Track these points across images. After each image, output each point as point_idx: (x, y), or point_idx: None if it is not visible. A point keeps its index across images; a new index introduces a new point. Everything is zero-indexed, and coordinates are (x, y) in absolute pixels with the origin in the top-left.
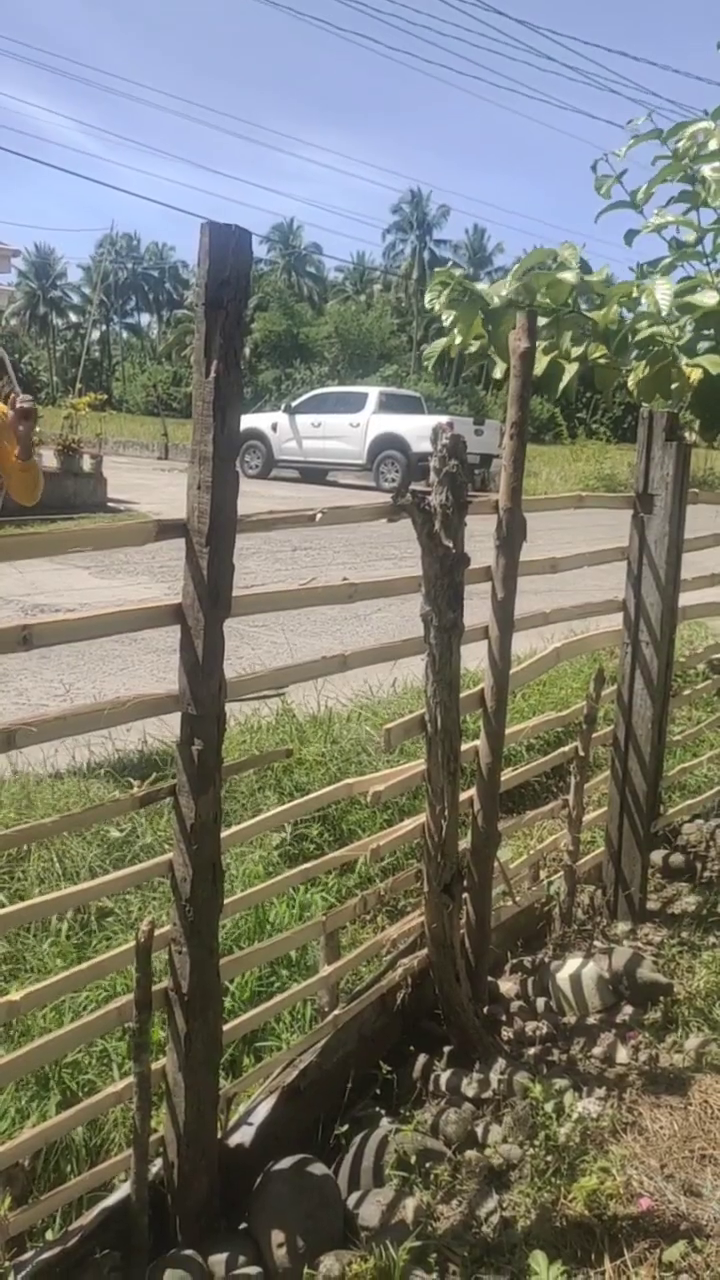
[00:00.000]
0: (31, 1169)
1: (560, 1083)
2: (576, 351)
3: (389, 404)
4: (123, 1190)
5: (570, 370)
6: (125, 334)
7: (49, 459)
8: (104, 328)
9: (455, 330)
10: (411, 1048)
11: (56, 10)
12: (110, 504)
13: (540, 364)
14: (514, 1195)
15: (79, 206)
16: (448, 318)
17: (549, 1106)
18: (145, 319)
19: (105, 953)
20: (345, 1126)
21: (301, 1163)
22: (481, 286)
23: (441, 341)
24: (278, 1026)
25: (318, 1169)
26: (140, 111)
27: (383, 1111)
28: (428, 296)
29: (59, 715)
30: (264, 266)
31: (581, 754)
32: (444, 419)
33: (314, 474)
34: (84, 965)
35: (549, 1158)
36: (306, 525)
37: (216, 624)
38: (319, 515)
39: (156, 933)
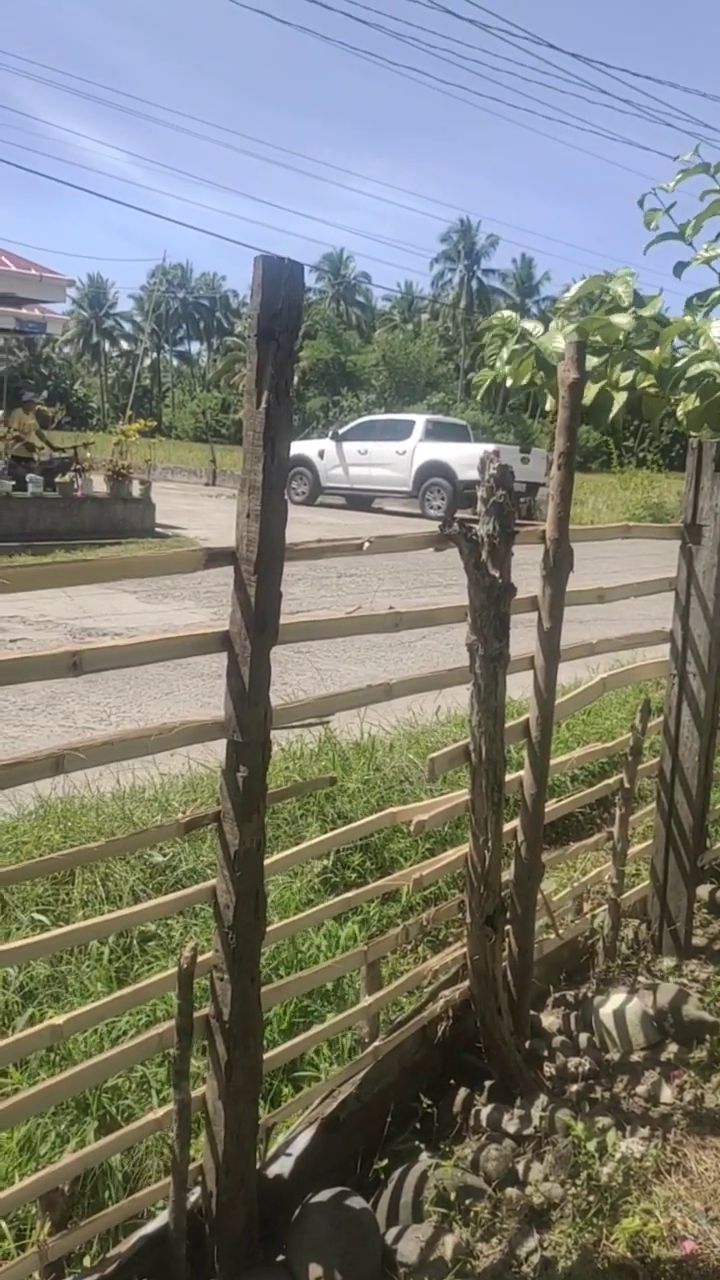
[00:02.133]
0: (70, 1194)
1: (603, 1121)
2: (625, 379)
3: (435, 432)
4: (161, 1218)
5: (619, 400)
6: (175, 361)
7: (99, 484)
8: (155, 355)
9: (507, 370)
10: (452, 1081)
11: (107, 42)
12: (158, 529)
13: (589, 393)
14: (555, 1235)
15: (130, 237)
16: (509, 370)
17: (591, 1145)
18: (195, 347)
19: (146, 977)
20: (384, 1161)
21: (340, 1196)
22: (533, 325)
23: (490, 371)
24: (316, 1057)
25: (356, 1202)
26: (190, 143)
27: (422, 1146)
28: (488, 351)
29: (106, 740)
30: (313, 295)
31: (627, 786)
32: (490, 447)
33: (360, 500)
34: (126, 990)
35: (591, 1198)
36: (354, 554)
37: (263, 652)
38: (367, 544)
39: (198, 959)
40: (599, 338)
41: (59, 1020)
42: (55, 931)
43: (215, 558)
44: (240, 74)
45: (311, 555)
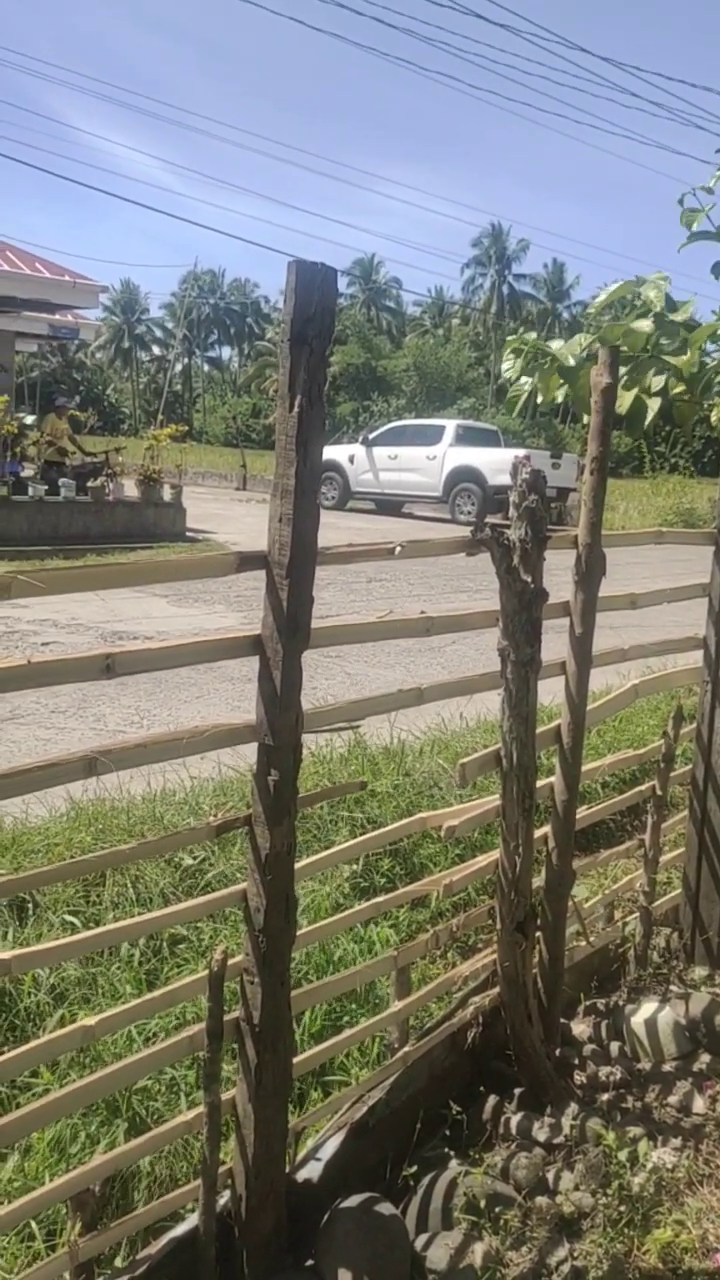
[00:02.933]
0: (101, 1195)
1: (634, 1131)
2: (658, 384)
3: (466, 437)
4: (190, 1221)
5: (653, 407)
6: (206, 367)
7: (130, 489)
8: (186, 361)
9: (526, 386)
10: (482, 1088)
11: (140, 50)
12: (189, 533)
13: (624, 400)
14: (585, 1245)
15: (163, 243)
16: (526, 384)
17: (623, 1155)
18: (226, 352)
19: (176, 980)
20: (414, 1167)
21: (369, 1201)
22: (556, 344)
23: (524, 384)
24: (347, 1061)
25: (385, 1209)
26: (224, 150)
27: (451, 1153)
28: (503, 366)
29: (139, 743)
30: (344, 300)
31: (659, 793)
32: (521, 452)
33: (390, 505)
34: (157, 993)
35: (622, 1208)
36: (386, 558)
37: (295, 656)
38: (398, 549)
39: (228, 962)
40: (624, 346)
41: (90, 1021)
42: (87, 933)
43: (248, 561)
44: (274, 82)
45: (343, 559)
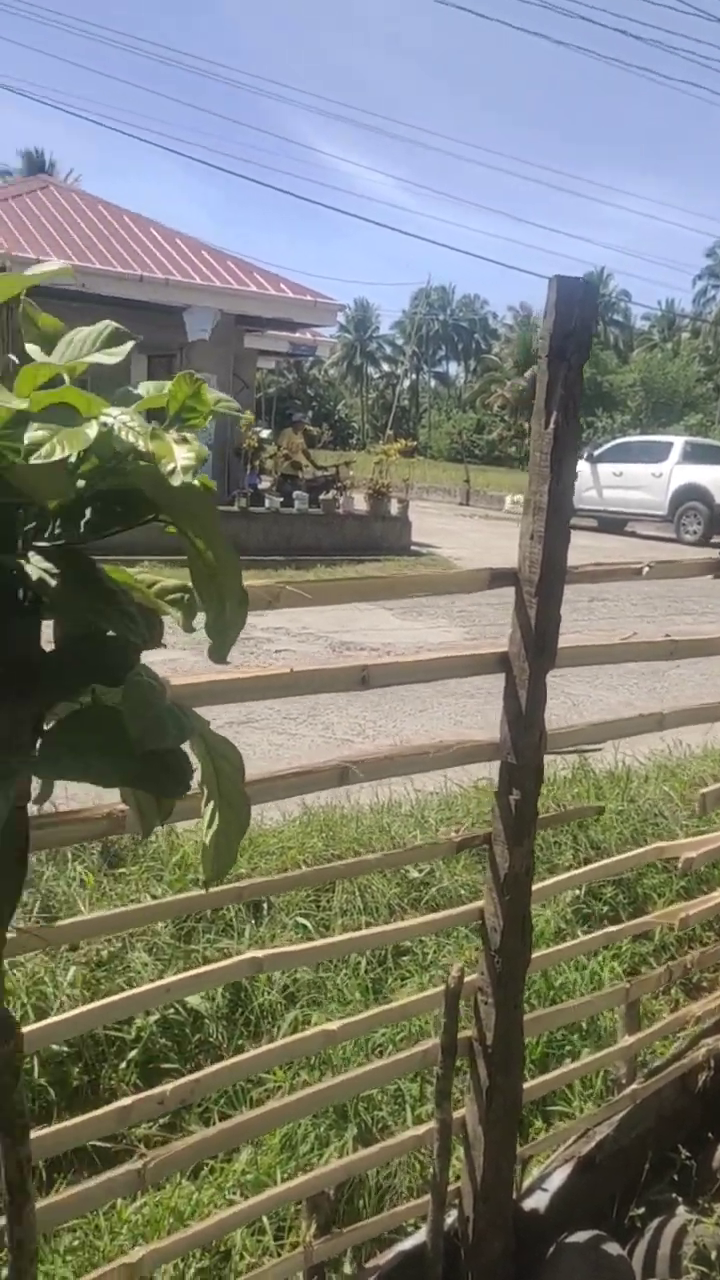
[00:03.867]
0: (335, 1199)
1: None
2: None
3: (694, 454)
4: (418, 1237)
5: None
6: (433, 383)
7: (360, 502)
8: (414, 377)
9: None
10: (711, 1134)
11: (377, 70)
12: (414, 547)
13: None
14: None
15: (395, 261)
16: None
17: None
18: (453, 368)
19: (399, 989)
20: (641, 1209)
21: (596, 1239)
22: None
23: None
24: (569, 1092)
25: (613, 1248)
26: (457, 166)
27: (679, 1199)
28: None
29: (386, 755)
30: None
31: None
32: None
33: (612, 524)
34: (393, 1004)
35: None
36: (633, 579)
37: (541, 674)
38: (646, 569)
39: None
40: None
41: (333, 1026)
42: (329, 939)
43: (498, 578)
44: (510, 97)
45: (591, 579)
